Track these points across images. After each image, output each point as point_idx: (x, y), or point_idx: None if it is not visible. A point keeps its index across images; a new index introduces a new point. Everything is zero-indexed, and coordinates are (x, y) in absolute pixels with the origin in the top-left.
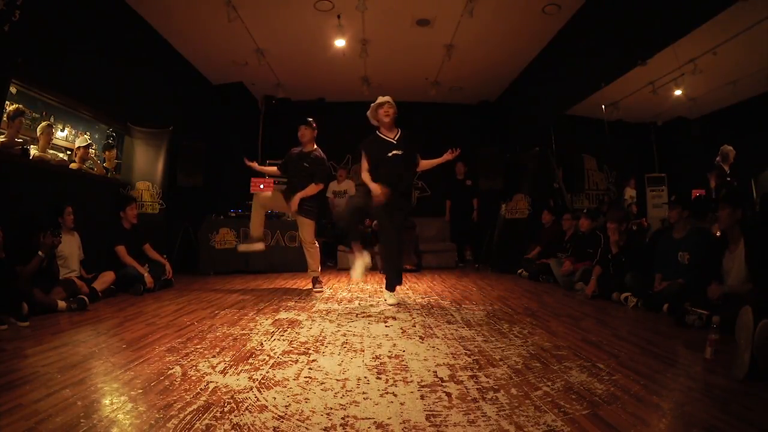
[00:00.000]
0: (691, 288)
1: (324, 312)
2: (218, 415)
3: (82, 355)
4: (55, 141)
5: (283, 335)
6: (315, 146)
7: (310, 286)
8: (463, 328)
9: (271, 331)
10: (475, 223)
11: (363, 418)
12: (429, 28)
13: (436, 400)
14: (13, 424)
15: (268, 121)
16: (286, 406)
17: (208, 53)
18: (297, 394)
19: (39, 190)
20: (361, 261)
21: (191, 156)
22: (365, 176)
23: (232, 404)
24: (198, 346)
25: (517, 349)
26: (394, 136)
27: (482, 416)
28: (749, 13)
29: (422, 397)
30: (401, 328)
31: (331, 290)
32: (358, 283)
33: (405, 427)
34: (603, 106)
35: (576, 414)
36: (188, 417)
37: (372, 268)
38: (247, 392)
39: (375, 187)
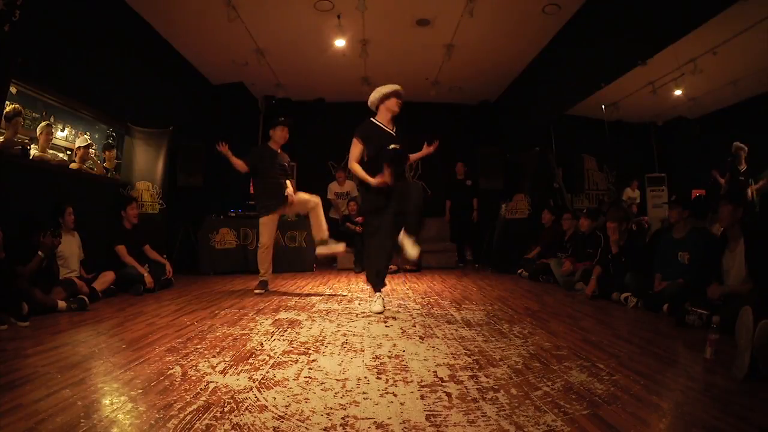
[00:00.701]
0: (691, 288)
1: (324, 312)
2: (218, 415)
3: (82, 355)
4: (55, 141)
5: (283, 335)
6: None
7: (310, 285)
8: (463, 328)
9: (271, 331)
10: (475, 223)
11: (363, 418)
12: (429, 28)
13: (436, 400)
14: (13, 424)
15: (268, 121)
16: (286, 406)
17: (208, 53)
18: (297, 394)
19: (39, 190)
20: (381, 298)
21: (191, 156)
22: (355, 167)
23: (232, 404)
24: (198, 346)
25: (517, 349)
26: (393, 129)
27: (482, 416)
28: (749, 13)
29: (422, 397)
30: (401, 328)
31: (331, 290)
32: (358, 283)
33: (405, 427)
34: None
35: (576, 414)
36: (188, 417)
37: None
38: (247, 392)
39: (375, 180)
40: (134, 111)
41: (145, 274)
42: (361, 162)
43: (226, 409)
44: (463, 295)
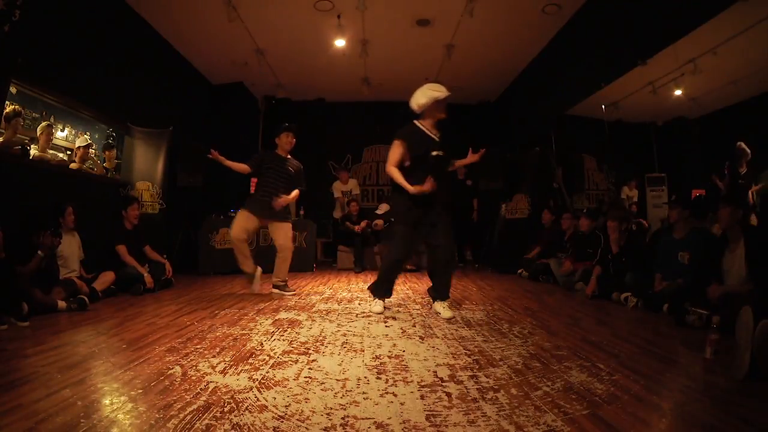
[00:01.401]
0: (691, 288)
1: (324, 312)
2: (218, 415)
3: (82, 355)
4: (55, 141)
5: (283, 335)
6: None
7: (310, 286)
8: (463, 328)
9: (271, 331)
10: (475, 223)
11: (363, 418)
12: (429, 28)
13: (436, 400)
14: (13, 424)
15: (268, 121)
16: (286, 406)
17: (208, 53)
18: (297, 394)
19: (39, 190)
20: (381, 302)
21: (191, 156)
22: (393, 171)
23: (232, 404)
24: (198, 346)
25: (517, 349)
26: (437, 135)
27: (482, 416)
28: (749, 13)
29: (422, 397)
30: (401, 328)
31: (331, 290)
32: (358, 283)
33: (405, 427)
34: (603, 106)
35: (576, 414)
36: (188, 417)
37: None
38: (247, 392)
39: (414, 188)
40: (134, 111)
41: (145, 274)
42: (400, 167)
43: (226, 409)
44: (463, 295)
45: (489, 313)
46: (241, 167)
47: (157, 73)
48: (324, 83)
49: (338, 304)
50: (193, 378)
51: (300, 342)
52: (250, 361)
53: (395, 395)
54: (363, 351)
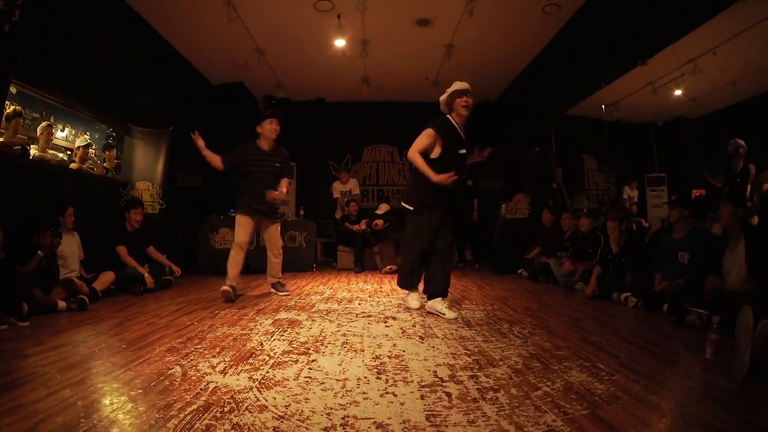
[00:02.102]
0: (691, 288)
1: (324, 312)
2: (218, 415)
3: (82, 355)
4: (55, 141)
5: (283, 335)
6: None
7: (310, 286)
8: (463, 328)
9: (271, 331)
10: (475, 223)
11: (363, 418)
12: (429, 28)
13: (436, 400)
14: (13, 424)
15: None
16: (286, 406)
17: (208, 53)
18: (297, 394)
19: (39, 190)
20: (416, 294)
21: (191, 156)
22: (417, 157)
23: (232, 404)
24: (198, 346)
25: (517, 349)
26: (465, 134)
27: (482, 416)
28: (749, 13)
29: (422, 397)
30: (401, 328)
31: (331, 290)
32: (358, 284)
33: (405, 427)
34: (603, 106)
35: (576, 414)
36: (188, 417)
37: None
38: (247, 392)
39: (439, 177)
40: (134, 111)
41: (145, 274)
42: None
43: (226, 409)
44: (463, 295)
45: (489, 313)
46: (215, 161)
47: (157, 73)
48: (324, 83)
49: (338, 304)
50: (193, 378)
51: (300, 342)
52: (250, 361)
53: (395, 395)
54: (363, 351)
